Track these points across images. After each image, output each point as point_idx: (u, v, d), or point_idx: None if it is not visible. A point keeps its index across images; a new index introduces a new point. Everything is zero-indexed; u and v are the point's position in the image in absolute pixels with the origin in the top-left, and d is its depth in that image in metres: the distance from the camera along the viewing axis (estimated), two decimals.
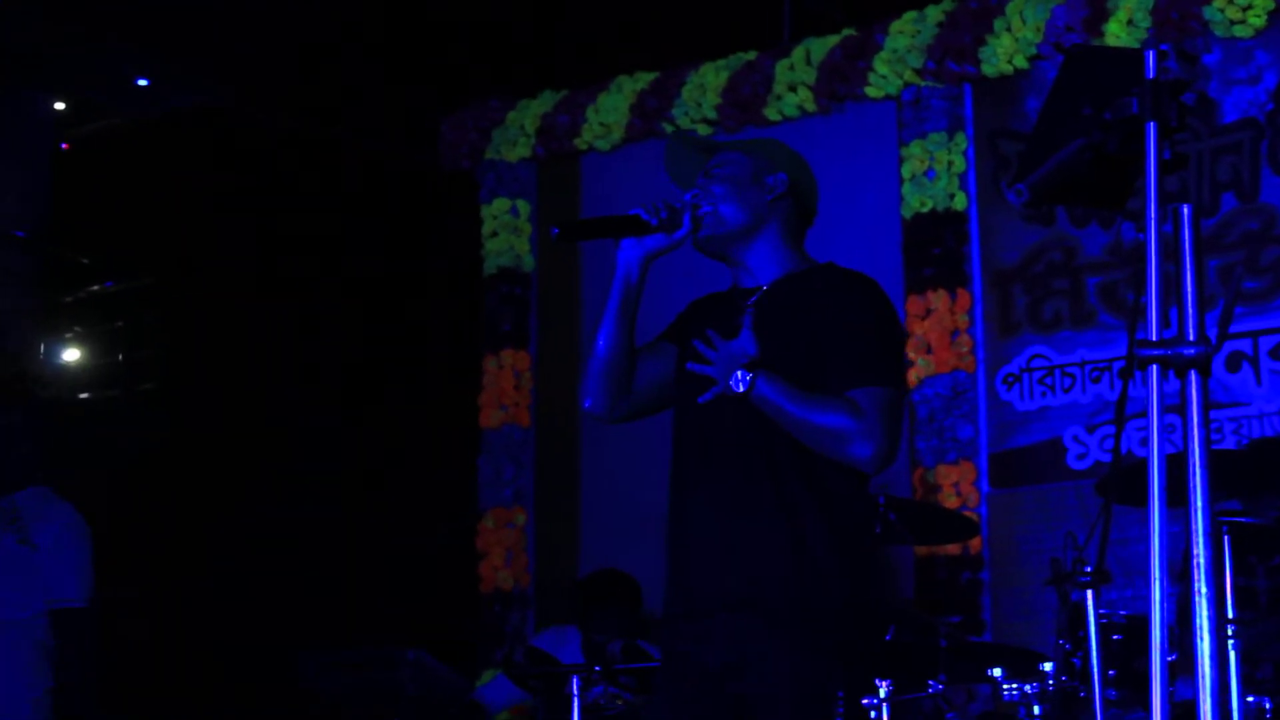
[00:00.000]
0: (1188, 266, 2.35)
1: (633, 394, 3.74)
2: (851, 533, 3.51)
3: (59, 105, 13.80)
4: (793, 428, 3.43)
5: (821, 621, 3.39)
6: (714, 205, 3.67)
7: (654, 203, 3.63)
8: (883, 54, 7.86)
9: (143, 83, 12.94)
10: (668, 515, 3.60)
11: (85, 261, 12.13)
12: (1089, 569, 4.25)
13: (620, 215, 3.61)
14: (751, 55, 8.36)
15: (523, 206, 8.90)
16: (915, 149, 7.77)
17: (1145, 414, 2.35)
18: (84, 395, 11.02)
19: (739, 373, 3.43)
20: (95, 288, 11.83)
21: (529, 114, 8.90)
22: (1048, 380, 7.38)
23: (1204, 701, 2.18)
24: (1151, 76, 2.37)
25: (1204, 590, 2.18)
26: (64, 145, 13.65)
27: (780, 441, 3.45)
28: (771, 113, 8.17)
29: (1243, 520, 4.34)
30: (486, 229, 8.89)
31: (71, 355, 11.26)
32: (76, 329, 11.48)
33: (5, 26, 12.68)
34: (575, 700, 5.35)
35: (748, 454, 3.49)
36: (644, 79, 8.66)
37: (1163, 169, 2.33)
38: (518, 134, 8.89)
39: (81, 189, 12.26)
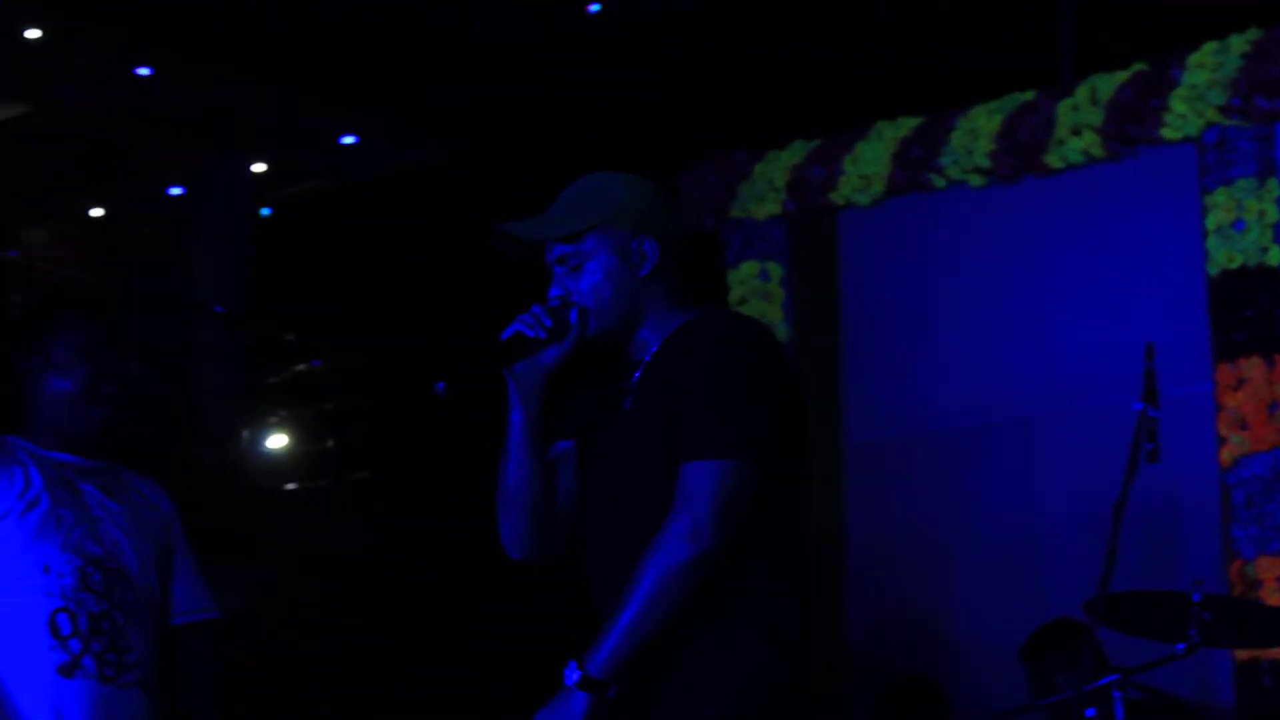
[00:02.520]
0: None
1: (558, 522, 3.65)
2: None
3: (259, 167, 14.20)
4: (661, 619, 3.34)
5: None
6: (586, 302, 3.57)
7: (532, 315, 3.54)
8: (1180, 90, 7.75)
9: (348, 141, 13.28)
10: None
11: (289, 338, 12.41)
12: None
13: (503, 342, 3.56)
14: (1029, 95, 8.29)
15: (774, 269, 8.90)
16: (1220, 197, 7.63)
17: None
18: (291, 485, 11.25)
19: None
20: (300, 367, 12.09)
21: (778, 166, 8.91)
22: None
23: None
24: None
25: None
26: (265, 210, 14.05)
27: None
28: (1053, 159, 8.09)
29: None
30: (734, 295, 8.90)
31: (277, 441, 11.52)
32: (281, 412, 11.74)
33: (202, 87, 13.09)
34: None
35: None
36: (907, 125, 8.63)
37: None
38: (766, 189, 8.91)
39: (284, 258, 12.56)
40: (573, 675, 3.30)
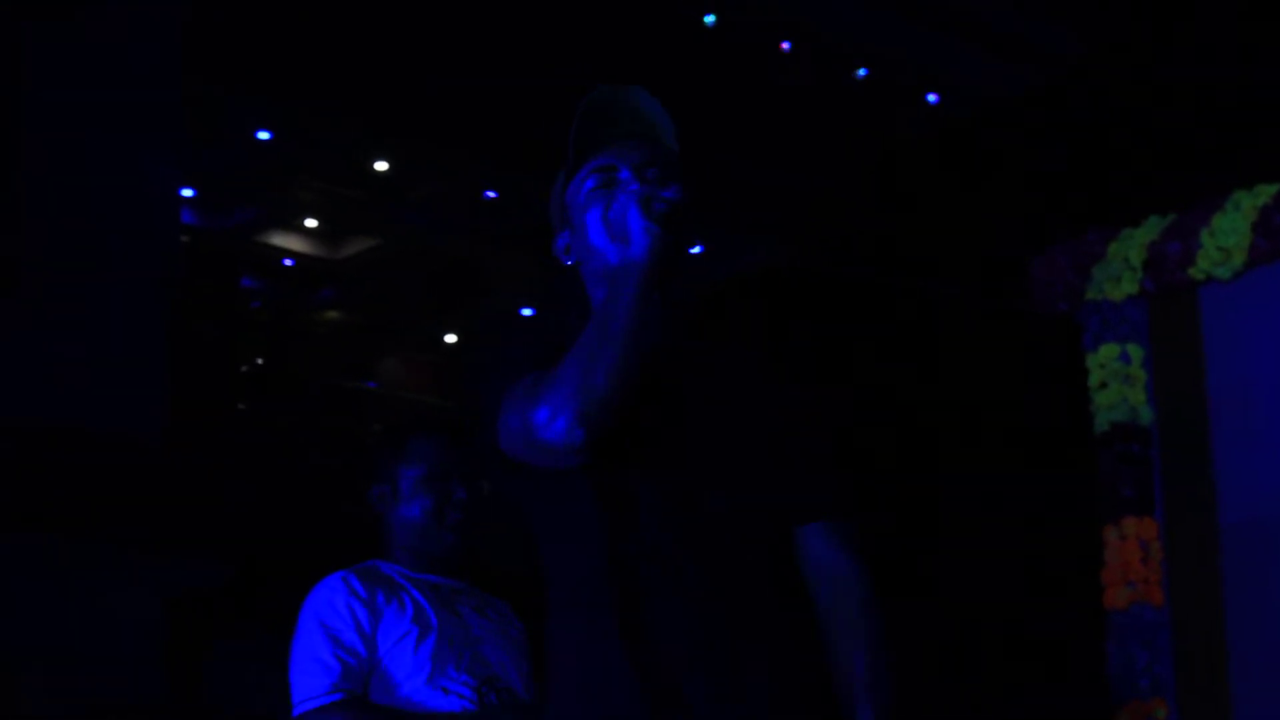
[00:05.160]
0: None
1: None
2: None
3: None
4: None
5: None
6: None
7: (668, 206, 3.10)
8: None
9: (692, 251, 13.47)
10: None
11: None
12: None
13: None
14: None
15: (1134, 351, 8.77)
16: None
17: None
18: None
19: None
20: None
21: (1134, 244, 8.80)
22: None
23: None
24: None
25: None
26: None
27: None
28: None
29: None
30: (1094, 380, 8.80)
31: None
32: None
33: (547, 202, 13.43)
34: None
35: None
36: (1265, 192, 8.46)
37: None
38: (1122, 268, 8.80)
39: None
40: None
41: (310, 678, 4.16)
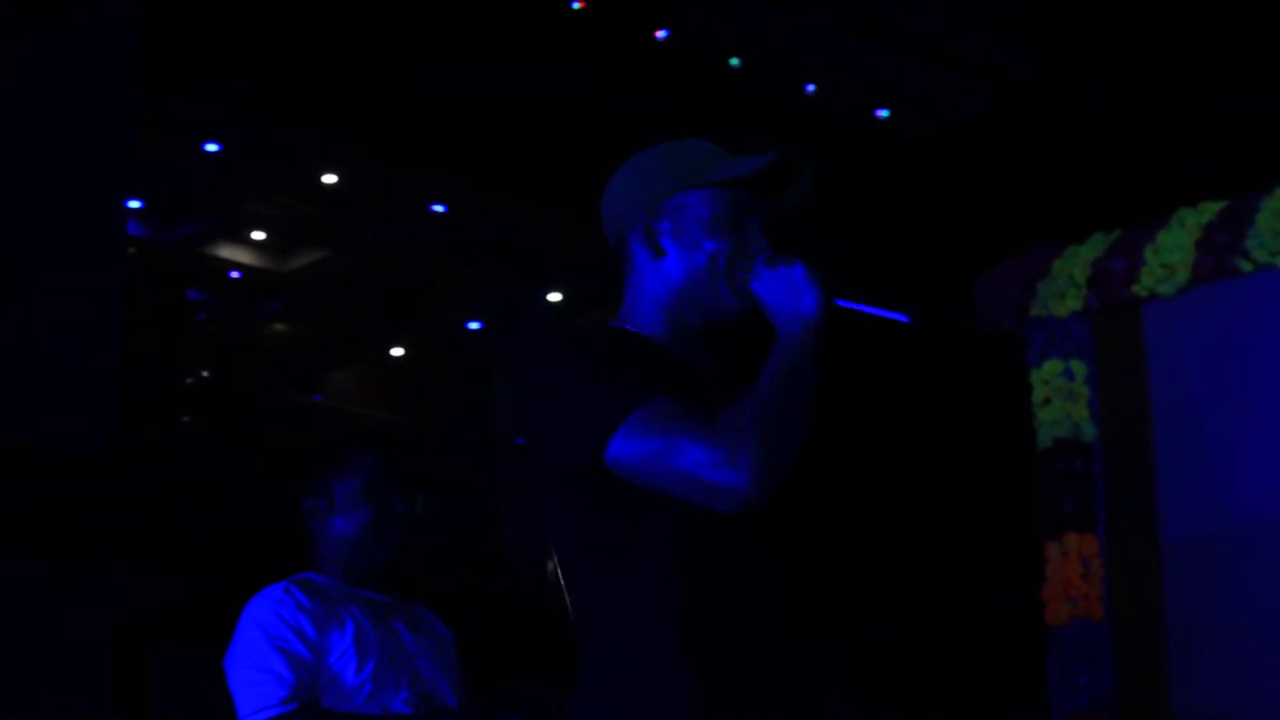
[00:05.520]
0: None
1: None
2: None
3: (555, 297, 14.49)
4: None
5: None
6: None
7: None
8: None
9: None
10: None
11: None
12: None
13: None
14: None
15: (1078, 368, 8.83)
16: None
17: None
18: None
19: None
20: None
21: (1078, 261, 8.85)
22: None
23: None
24: None
25: None
26: None
27: None
28: None
29: None
30: (1038, 395, 8.85)
31: None
32: None
33: (497, 219, 13.43)
34: None
35: None
36: (1209, 210, 8.53)
37: None
38: (1067, 285, 8.85)
39: None
40: None
41: (261, 688, 4.14)
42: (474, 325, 15.18)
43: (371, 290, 15.30)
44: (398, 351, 16.14)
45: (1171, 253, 8.56)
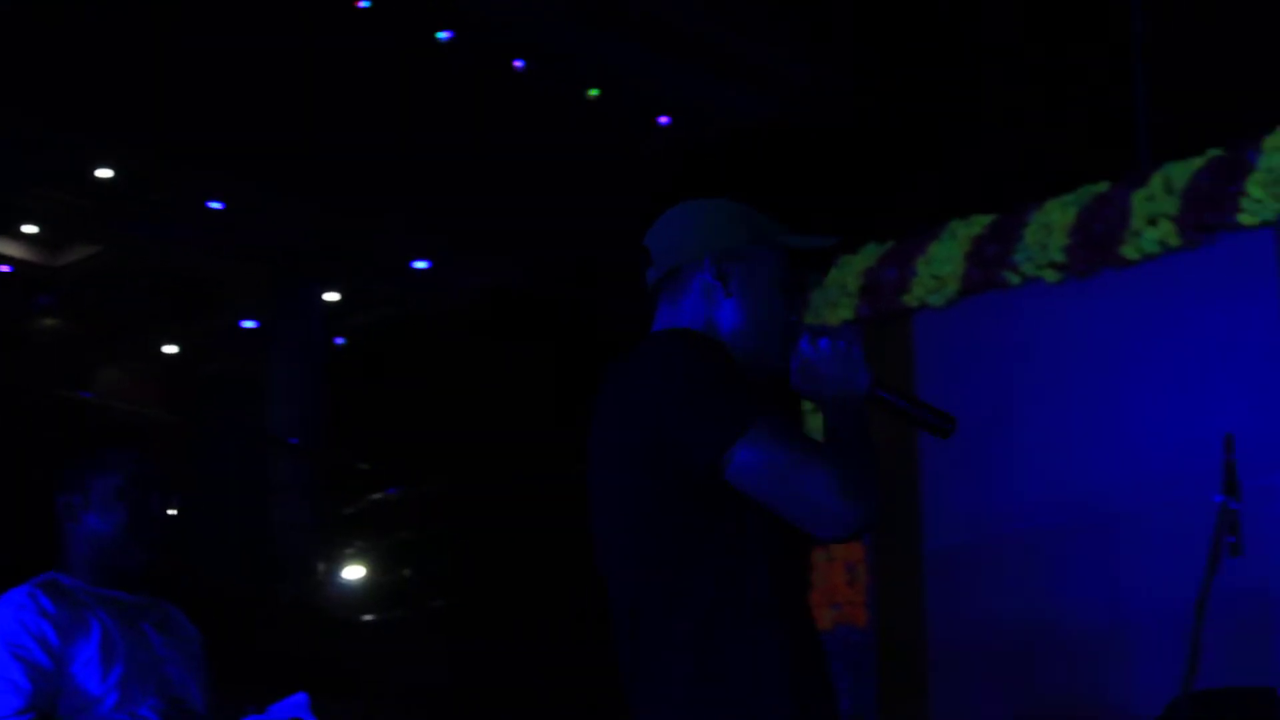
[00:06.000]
0: None
1: None
2: None
3: (332, 297, 14.38)
4: None
5: None
6: None
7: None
8: (1257, 175, 7.73)
9: (421, 266, 13.43)
10: None
11: (365, 468, 12.51)
12: None
13: (939, 413, 3.52)
14: (1103, 187, 8.30)
15: None
16: None
17: None
18: (368, 617, 11.28)
19: None
20: (377, 496, 12.17)
21: (851, 271, 8.95)
22: None
23: None
24: None
25: None
26: (338, 340, 14.20)
27: None
28: (1130, 251, 8.08)
29: None
30: (806, 404, 8.91)
31: (353, 572, 11.58)
32: (358, 543, 11.80)
33: (274, 218, 13.30)
34: None
35: None
36: (980, 222, 8.66)
37: None
38: (839, 294, 8.95)
39: (358, 387, 12.67)
40: None
41: None
42: (248, 324, 15.02)
43: (145, 287, 15.07)
44: (171, 349, 15.93)
45: (942, 264, 8.67)
